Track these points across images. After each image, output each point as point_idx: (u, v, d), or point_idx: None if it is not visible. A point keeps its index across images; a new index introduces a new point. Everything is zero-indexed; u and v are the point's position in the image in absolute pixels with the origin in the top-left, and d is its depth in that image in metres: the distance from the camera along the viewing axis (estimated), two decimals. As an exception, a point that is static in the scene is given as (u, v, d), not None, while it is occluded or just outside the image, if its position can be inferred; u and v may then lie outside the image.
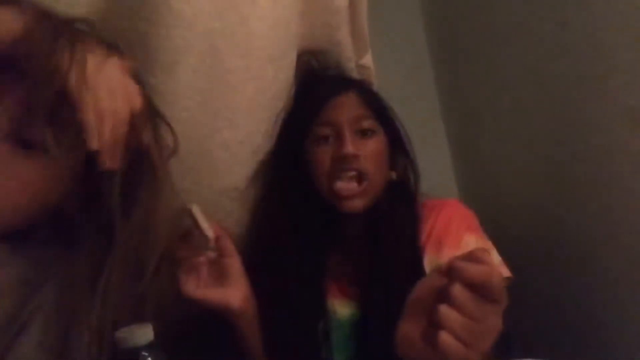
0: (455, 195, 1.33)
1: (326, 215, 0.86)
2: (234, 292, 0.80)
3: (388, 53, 1.11)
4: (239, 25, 0.80)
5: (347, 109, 0.87)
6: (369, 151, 0.85)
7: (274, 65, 0.86)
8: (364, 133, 0.86)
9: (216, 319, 0.81)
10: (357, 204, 0.83)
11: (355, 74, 1.02)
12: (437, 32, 1.37)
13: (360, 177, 0.83)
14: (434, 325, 0.51)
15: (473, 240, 0.86)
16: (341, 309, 0.88)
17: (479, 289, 0.49)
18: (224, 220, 0.86)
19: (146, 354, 0.55)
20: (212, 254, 0.80)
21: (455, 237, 0.86)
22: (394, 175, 0.90)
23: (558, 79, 0.99)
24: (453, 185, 1.37)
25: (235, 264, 0.81)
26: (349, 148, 0.83)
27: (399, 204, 0.88)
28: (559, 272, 1.02)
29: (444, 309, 0.50)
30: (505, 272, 0.85)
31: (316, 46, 0.96)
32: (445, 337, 0.50)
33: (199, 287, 0.79)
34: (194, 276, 0.79)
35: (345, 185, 0.83)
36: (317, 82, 0.94)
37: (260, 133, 0.88)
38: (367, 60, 1.04)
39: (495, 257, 0.86)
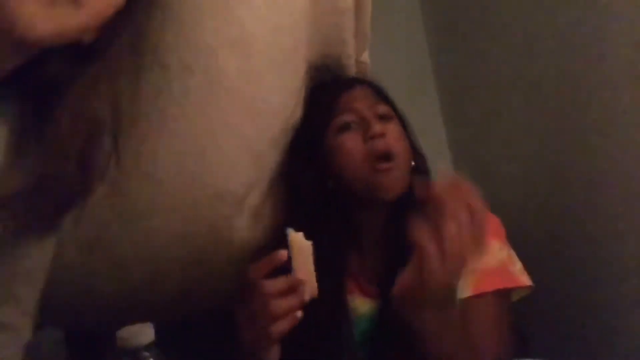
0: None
1: (346, 210, 0.87)
2: None
3: (388, 53, 1.11)
4: (232, 25, 0.80)
5: (363, 98, 0.90)
6: (392, 132, 0.86)
7: (276, 71, 0.85)
8: (382, 117, 0.88)
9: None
10: (394, 180, 0.83)
11: (353, 70, 1.02)
12: (438, 32, 1.37)
13: (389, 157, 0.83)
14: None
15: (497, 246, 0.86)
16: (361, 307, 0.89)
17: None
18: (221, 223, 0.85)
19: (147, 353, 0.55)
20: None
21: None
22: (413, 163, 0.89)
23: (559, 78, 0.99)
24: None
25: None
26: (376, 127, 0.84)
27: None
28: (563, 269, 1.02)
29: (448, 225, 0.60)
30: (526, 280, 0.86)
31: (325, 47, 0.96)
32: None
33: None
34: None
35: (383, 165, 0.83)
36: (330, 81, 0.96)
37: (263, 140, 0.86)
38: (365, 56, 1.05)
39: (518, 266, 0.86)
